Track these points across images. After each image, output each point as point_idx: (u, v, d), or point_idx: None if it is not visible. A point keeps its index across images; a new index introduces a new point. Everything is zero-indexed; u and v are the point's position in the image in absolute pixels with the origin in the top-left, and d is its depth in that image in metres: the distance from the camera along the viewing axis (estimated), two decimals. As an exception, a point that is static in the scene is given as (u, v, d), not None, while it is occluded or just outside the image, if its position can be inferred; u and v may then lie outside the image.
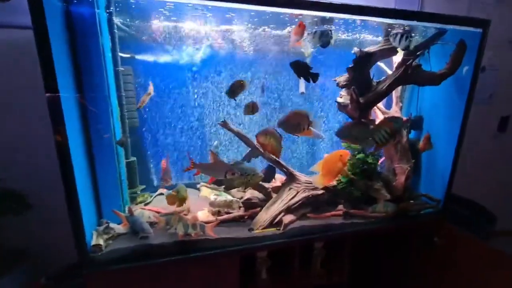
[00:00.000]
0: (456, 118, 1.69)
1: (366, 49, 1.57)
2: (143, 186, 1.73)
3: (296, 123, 1.36)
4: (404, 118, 1.66)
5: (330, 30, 1.35)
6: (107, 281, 1.24)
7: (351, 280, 1.74)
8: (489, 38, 2.46)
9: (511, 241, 2.88)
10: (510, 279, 1.52)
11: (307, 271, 1.67)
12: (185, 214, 1.50)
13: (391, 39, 1.42)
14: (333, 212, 1.63)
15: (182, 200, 1.42)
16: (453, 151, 1.68)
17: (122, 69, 1.46)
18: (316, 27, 1.36)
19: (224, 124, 1.48)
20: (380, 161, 1.88)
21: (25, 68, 1.50)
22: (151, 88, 1.53)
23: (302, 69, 1.33)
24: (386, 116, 1.70)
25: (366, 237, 1.74)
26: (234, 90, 1.38)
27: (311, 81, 1.35)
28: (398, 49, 1.53)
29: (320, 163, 1.40)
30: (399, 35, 1.36)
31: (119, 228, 1.32)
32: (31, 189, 1.57)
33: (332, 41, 1.34)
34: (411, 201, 1.76)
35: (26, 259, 1.66)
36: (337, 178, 1.60)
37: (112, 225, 1.31)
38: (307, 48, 1.82)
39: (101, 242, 1.24)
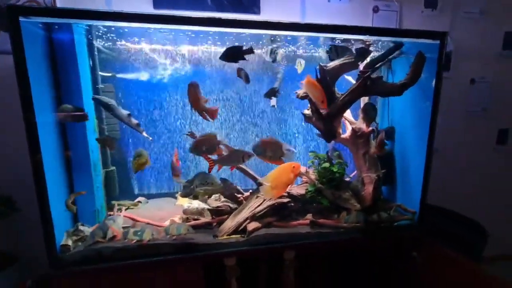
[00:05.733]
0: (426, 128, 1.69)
1: (329, 64, 1.65)
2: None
3: (206, 147, 1.48)
4: (369, 129, 1.69)
5: (276, 48, 1.50)
6: (71, 279, 1.32)
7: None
8: (477, 50, 2.50)
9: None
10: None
11: (279, 284, 1.66)
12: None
13: None
14: (300, 221, 1.64)
15: (141, 165, 1.51)
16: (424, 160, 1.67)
17: (102, 86, 1.63)
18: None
19: (191, 135, 1.59)
20: (352, 174, 1.90)
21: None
22: None
23: (235, 53, 1.43)
24: (353, 124, 1.74)
25: (339, 248, 1.71)
26: None
27: (247, 55, 1.42)
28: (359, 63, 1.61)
29: (270, 175, 1.43)
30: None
31: (88, 231, 1.42)
32: (18, 195, 1.71)
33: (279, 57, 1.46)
34: (388, 212, 1.74)
35: (16, 262, 1.79)
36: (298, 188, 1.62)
37: (81, 227, 1.41)
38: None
39: (70, 242, 1.34)
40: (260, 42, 1.59)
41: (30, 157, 1.20)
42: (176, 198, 1.95)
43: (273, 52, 1.48)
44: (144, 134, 1.61)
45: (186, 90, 1.44)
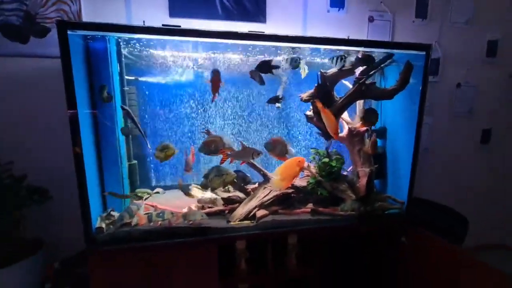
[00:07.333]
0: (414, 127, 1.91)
1: (329, 71, 1.87)
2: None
3: (213, 147, 1.69)
4: (364, 128, 1.90)
5: (299, 57, 1.69)
6: (105, 256, 1.52)
7: (326, 275, 1.92)
8: (463, 57, 2.74)
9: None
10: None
11: (283, 265, 1.88)
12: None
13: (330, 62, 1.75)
14: (302, 209, 1.86)
15: (169, 156, 1.70)
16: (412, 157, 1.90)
17: (127, 88, 1.83)
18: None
19: (207, 132, 1.79)
20: (349, 168, 2.12)
21: (54, 88, 1.86)
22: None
23: (265, 66, 1.68)
24: (349, 124, 1.96)
25: (336, 234, 1.93)
26: None
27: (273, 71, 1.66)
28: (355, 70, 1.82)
29: (279, 169, 1.64)
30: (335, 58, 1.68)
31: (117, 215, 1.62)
32: (50, 185, 1.89)
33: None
34: (379, 202, 1.96)
35: (44, 246, 1.97)
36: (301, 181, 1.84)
37: (113, 212, 1.61)
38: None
39: (103, 225, 1.54)
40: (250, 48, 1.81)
41: (72, 149, 1.39)
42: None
43: (294, 61, 1.68)
44: (149, 145, 1.83)
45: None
